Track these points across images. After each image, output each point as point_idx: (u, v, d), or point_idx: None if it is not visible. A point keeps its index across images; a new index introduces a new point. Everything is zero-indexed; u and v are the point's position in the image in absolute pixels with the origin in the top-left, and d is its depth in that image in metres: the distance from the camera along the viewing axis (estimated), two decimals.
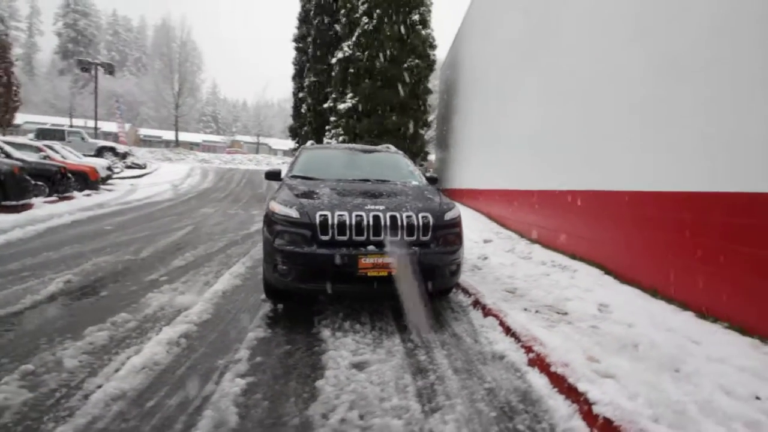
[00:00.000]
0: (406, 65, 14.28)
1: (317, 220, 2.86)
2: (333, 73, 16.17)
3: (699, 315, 3.07)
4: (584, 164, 5.29)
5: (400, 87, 14.65)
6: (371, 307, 3.38)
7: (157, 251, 5.30)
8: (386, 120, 14.66)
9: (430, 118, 17.40)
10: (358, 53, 14.67)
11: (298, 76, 21.96)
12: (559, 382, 2.10)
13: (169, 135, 49.16)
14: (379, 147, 5.12)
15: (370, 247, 2.84)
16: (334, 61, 15.80)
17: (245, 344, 2.58)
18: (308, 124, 19.33)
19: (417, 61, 14.42)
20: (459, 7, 15.74)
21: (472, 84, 12.56)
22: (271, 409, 1.90)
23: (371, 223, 2.87)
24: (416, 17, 14.39)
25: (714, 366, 2.32)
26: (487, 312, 3.19)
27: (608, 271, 4.37)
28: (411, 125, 15.21)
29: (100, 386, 2.00)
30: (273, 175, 4.28)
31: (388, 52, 14.20)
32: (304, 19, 21.86)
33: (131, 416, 1.79)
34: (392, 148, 5.08)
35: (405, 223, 2.92)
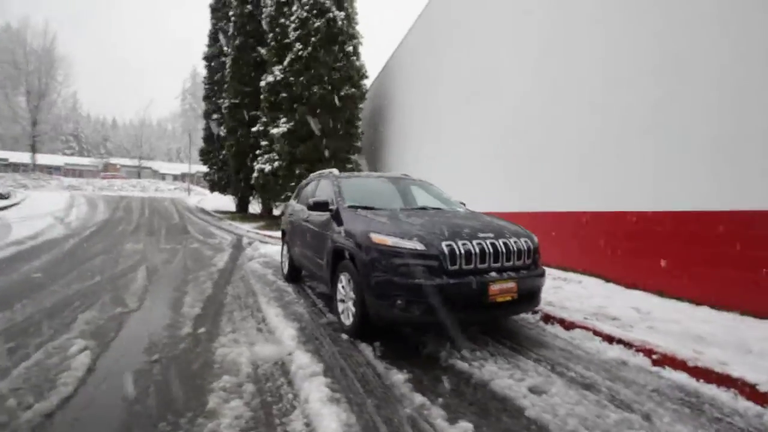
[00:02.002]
0: (343, 93, 14.52)
1: (445, 251, 2.85)
2: (262, 96, 15.49)
3: (713, 307, 3.89)
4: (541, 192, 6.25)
5: (336, 114, 14.78)
6: (463, 334, 3.41)
7: (144, 299, 4.42)
8: (324, 146, 14.56)
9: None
10: (292, 78, 14.41)
11: (210, 97, 20.34)
12: (705, 374, 2.50)
13: (17, 156, 40.27)
14: (398, 174, 5.18)
15: (492, 274, 2.94)
16: (263, 84, 15.18)
17: (404, 388, 2.40)
18: (228, 149, 17.94)
19: (353, 90, 14.79)
20: (378, 43, 16.71)
21: (402, 114, 13.40)
22: None
23: (491, 250, 2.97)
24: (350, 48, 14.84)
25: None
26: (568, 325, 3.52)
27: (608, 280, 5.15)
28: (345, 151, 15.39)
29: None
30: (320, 206, 4.03)
31: (325, 79, 14.26)
32: (215, 37, 20.55)
33: None
34: (410, 175, 5.20)
35: (515, 248, 3.09)
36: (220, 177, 19.53)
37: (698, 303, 4.02)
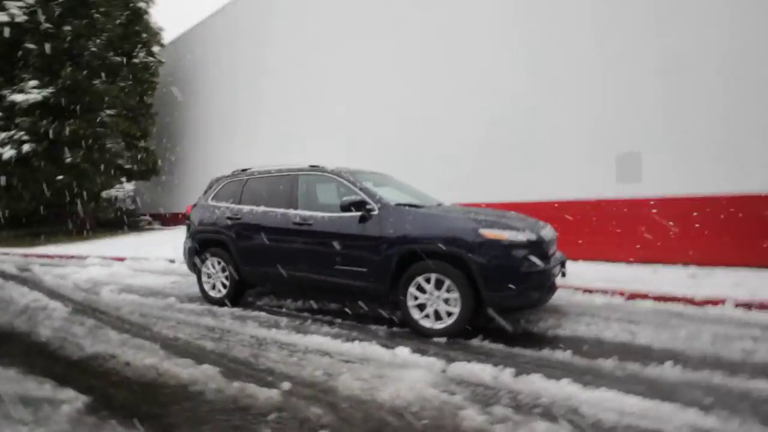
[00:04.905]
0: (137, 60, 11.08)
1: (545, 238, 3.25)
2: None
3: (588, 261, 5.89)
4: None
5: (125, 85, 11.15)
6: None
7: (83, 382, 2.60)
8: (108, 124, 10.79)
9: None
10: (48, 25, 9.84)
11: None
12: (661, 298, 4.01)
13: None
14: (368, 168, 4.89)
15: (557, 255, 3.58)
16: None
17: (582, 361, 2.72)
18: None
19: (151, 58, 11.52)
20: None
21: (227, 96, 11.77)
22: None
23: (554, 235, 3.59)
24: (142, 4, 11.42)
25: None
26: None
27: None
28: (137, 135, 11.99)
29: None
30: (356, 206, 3.52)
31: (106, 35, 10.43)
32: None
33: None
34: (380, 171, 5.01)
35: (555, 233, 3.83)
36: None
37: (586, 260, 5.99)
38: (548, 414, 2.08)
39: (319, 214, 3.79)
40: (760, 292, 3.91)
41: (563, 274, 3.56)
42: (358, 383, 2.45)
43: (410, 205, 3.64)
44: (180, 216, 13.09)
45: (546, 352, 2.87)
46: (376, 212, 3.51)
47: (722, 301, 3.78)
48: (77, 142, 10.16)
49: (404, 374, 2.54)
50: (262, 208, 4.19)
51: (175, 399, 2.38)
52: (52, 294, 5.14)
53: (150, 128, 12.49)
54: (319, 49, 9.16)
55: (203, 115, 12.55)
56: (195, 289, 5.36)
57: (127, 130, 11.34)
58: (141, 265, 7.27)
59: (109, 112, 11.06)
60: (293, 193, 4.06)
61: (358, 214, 3.55)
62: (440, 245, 3.17)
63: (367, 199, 3.58)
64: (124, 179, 12.27)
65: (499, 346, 3.01)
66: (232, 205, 4.43)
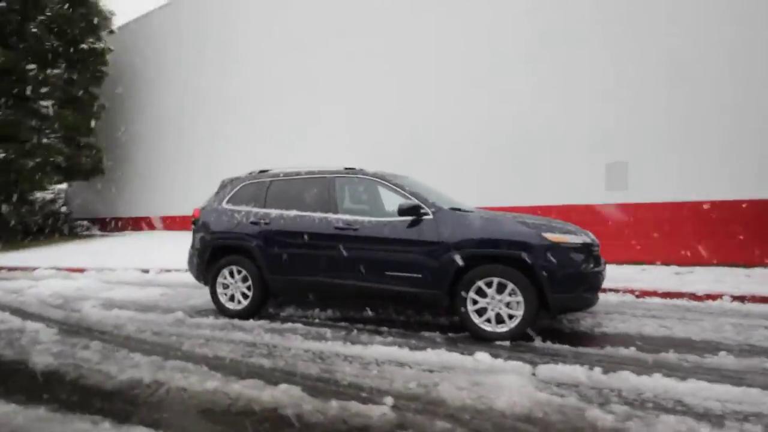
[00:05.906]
0: (85, 46, 9.80)
1: (596, 242, 3.44)
2: None
3: None
4: None
5: (69, 72, 9.81)
6: None
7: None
8: (46, 117, 9.44)
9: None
10: None
11: None
12: (668, 295, 4.43)
13: None
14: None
15: None
16: None
17: (654, 356, 2.92)
18: None
19: (101, 44, 10.25)
20: None
21: (184, 92, 10.91)
22: None
23: None
24: None
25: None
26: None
27: None
28: (80, 130, 10.64)
29: None
30: (411, 211, 3.46)
31: (48, 13, 9.09)
32: None
33: None
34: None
35: None
36: None
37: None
38: (663, 407, 2.20)
39: (365, 218, 3.66)
40: (743, 287, 4.50)
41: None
42: (464, 393, 2.39)
43: (461, 210, 3.66)
44: (137, 221, 11.83)
45: (610, 350, 3.02)
46: (430, 216, 3.47)
47: (720, 296, 4.29)
48: (10, 135, 8.76)
49: (501, 380, 2.53)
50: (294, 212, 3.95)
51: (275, 425, 2.15)
52: (19, 312, 4.39)
53: (95, 123, 11.13)
54: (300, 41, 8.85)
55: (159, 110, 11.48)
56: (195, 302, 4.93)
57: (71, 123, 10.02)
58: (110, 276, 6.46)
59: (44, 103, 9.70)
60: (331, 197, 3.88)
61: (411, 218, 3.49)
62: (506, 249, 3.22)
63: (420, 204, 3.53)
64: (62, 179, 10.79)
65: (564, 347, 3.12)
66: (256, 209, 4.12)
